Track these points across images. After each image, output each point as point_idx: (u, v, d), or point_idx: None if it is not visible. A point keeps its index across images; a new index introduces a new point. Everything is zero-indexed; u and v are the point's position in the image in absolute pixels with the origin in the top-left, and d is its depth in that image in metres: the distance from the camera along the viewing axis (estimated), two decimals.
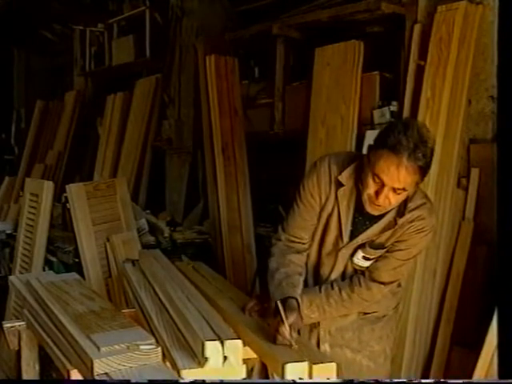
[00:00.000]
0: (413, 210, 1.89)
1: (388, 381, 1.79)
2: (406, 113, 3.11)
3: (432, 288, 2.97)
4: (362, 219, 1.94)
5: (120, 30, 5.93)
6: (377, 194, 1.79)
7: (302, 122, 3.73)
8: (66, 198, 3.82)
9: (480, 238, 2.90)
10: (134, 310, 2.19)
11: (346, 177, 1.92)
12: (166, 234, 4.05)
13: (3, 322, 2.27)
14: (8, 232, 4.43)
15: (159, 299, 2.07)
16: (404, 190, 1.78)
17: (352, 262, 1.99)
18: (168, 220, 4.43)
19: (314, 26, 3.83)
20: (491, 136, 2.91)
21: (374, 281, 1.96)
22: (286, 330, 1.75)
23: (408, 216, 1.89)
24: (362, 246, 1.95)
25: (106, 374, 1.62)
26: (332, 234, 1.98)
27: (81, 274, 3.23)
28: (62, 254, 3.82)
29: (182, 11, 4.77)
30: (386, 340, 2.13)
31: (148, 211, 4.46)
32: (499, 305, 1.81)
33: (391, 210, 1.88)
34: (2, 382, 3.01)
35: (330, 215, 1.97)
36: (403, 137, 1.74)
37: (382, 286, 1.97)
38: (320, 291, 1.98)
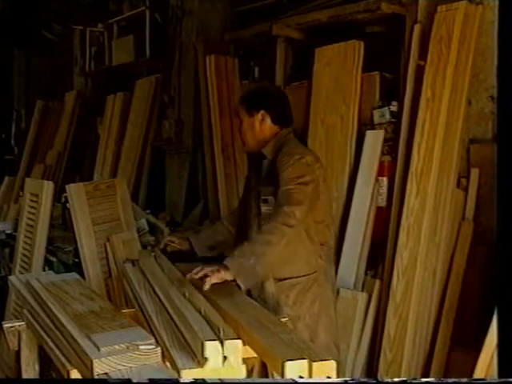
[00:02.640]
0: (285, 148, 2.39)
1: (389, 380, 1.79)
2: (406, 113, 3.12)
3: (432, 288, 2.97)
4: (257, 173, 2.51)
5: (120, 30, 5.93)
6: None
7: (302, 122, 3.73)
8: (65, 198, 3.82)
9: (480, 238, 2.90)
10: (133, 310, 2.19)
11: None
12: (166, 234, 4.04)
13: (3, 322, 2.27)
14: (8, 232, 4.42)
15: (159, 299, 2.07)
16: (240, 117, 2.48)
17: (260, 213, 2.39)
18: (168, 220, 4.43)
19: (313, 26, 3.83)
20: (491, 136, 2.91)
21: (278, 206, 2.25)
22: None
23: (281, 153, 2.37)
24: (260, 193, 2.40)
25: (105, 373, 1.62)
26: (247, 195, 2.54)
27: (81, 274, 3.23)
28: (62, 254, 3.82)
29: (182, 11, 4.77)
30: (300, 306, 2.39)
31: (148, 211, 4.46)
32: (499, 305, 1.82)
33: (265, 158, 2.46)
34: (2, 381, 3.01)
35: (245, 186, 2.64)
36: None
37: (285, 206, 2.22)
38: (244, 243, 2.23)
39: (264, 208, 2.38)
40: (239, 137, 2.56)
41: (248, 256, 2.13)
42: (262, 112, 2.44)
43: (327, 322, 2.48)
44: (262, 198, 2.39)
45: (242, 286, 2.15)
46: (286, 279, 2.40)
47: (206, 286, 2.07)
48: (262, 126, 2.45)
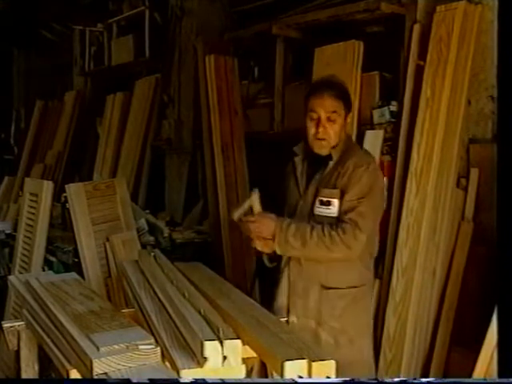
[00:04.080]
0: (350, 152, 2.32)
1: (389, 380, 1.79)
2: (405, 112, 3.12)
3: (431, 288, 2.97)
4: (312, 173, 2.35)
5: (119, 30, 5.93)
6: (317, 127, 2.27)
7: (302, 122, 3.72)
8: (65, 197, 3.82)
9: (479, 237, 2.90)
10: (133, 309, 2.19)
11: (299, 148, 2.42)
12: (166, 234, 4.05)
13: (2, 322, 2.27)
14: (7, 232, 4.41)
15: (159, 299, 2.07)
16: (336, 113, 2.25)
17: (314, 215, 2.28)
18: (167, 220, 4.43)
19: (313, 26, 3.83)
20: (491, 136, 2.91)
21: (345, 222, 2.20)
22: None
23: (347, 156, 2.29)
24: (317, 194, 2.28)
25: (105, 373, 1.62)
26: (293, 193, 2.40)
27: (80, 273, 3.23)
28: (62, 253, 3.81)
29: (181, 11, 4.77)
30: (347, 320, 2.25)
31: (147, 211, 4.45)
32: (499, 305, 1.82)
33: (330, 156, 2.30)
34: (2, 381, 3.01)
35: (288, 184, 2.44)
36: (317, 81, 2.50)
37: (357, 229, 2.19)
38: (304, 224, 2.23)
39: (322, 209, 2.26)
40: (321, 134, 2.28)
41: (299, 242, 2.19)
42: (351, 114, 2.38)
43: (370, 339, 2.39)
44: (323, 199, 2.26)
45: (277, 252, 2.25)
46: (334, 288, 2.28)
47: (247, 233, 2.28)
48: (347, 127, 2.39)
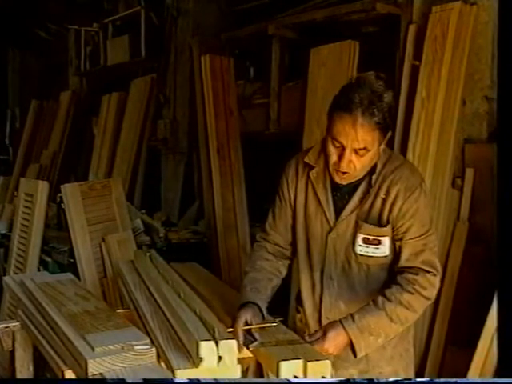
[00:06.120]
0: (393, 171, 1.82)
1: (384, 380, 1.78)
2: (401, 113, 3.12)
3: None
4: (341, 195, 1.86)
5: (115, 30, 5.93)
6: (340, 159, 1.73)
7: (298, 122, 3.73)
8: (60, 198, 3.82)
9: (475, 238, 2.90)
10: (128, 310, 2.18)
11: (313, 158, 1.90)
12: (162, 234, 4.05)
13: None
14: (2, 232, 4.41)
15: (154, 299, 2.07)
16: (366, 149, 1.71)
17: (355, 254, 1.84)
18: (163, 220, 4.43)
19: (309, 26, 3.84)
20: (486, 136, 2.92)
21: (416, 272, 1.80)
22: (236, 331, 1.77)
23: (390, 179, 1.80)
24: (357, 229, 1.82)
25: (100, 374, 1.62)
26: (316, 221, 1.89)
27: (76, 274, 3.22)
28: (57, 254, 3.81)
29: (177, 11, 4.77)
30: (399, 361, 1.94)
31: (143, 211, 4.46)
32: (499, 305, 1.81)
33: (365, 177, 1.82)
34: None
35: (305, 204, 1.91)
36: (355, 94, 1.71)
37: (431, 275, 1.80)
38: (376, 312, 1.78)
39: (368, 249, 1.83)
40: (345, 168, 1.75)
41: (382, 336, 1.79)
42: (390, 132, 1.78)
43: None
44: (369, 237, 1.81)
45: (357, 354, 1.81)
46: None
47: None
48: (381, 147, 1.79)
